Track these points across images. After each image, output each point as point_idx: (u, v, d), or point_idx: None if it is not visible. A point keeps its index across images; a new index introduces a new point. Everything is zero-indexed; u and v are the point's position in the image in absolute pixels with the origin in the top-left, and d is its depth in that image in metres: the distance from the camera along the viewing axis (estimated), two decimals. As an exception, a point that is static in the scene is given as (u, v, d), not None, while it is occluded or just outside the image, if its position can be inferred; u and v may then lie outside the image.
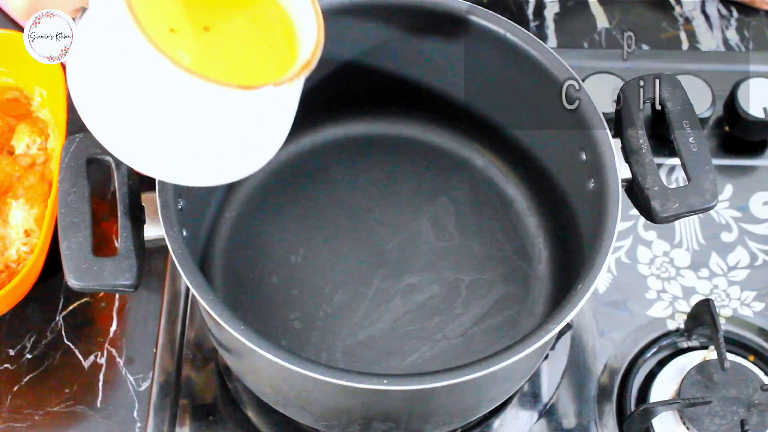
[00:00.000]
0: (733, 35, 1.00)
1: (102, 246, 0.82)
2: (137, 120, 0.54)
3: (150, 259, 0.84)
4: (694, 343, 0.82)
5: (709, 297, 0.84)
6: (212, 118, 0.53)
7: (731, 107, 0.91)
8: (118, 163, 0.65)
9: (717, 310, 0.78)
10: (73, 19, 0.56)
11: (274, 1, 0.59)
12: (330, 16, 0.73)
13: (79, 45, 0.54)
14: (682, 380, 0.77)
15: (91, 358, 0.81)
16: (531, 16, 0.99)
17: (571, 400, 0.80)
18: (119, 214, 0.65)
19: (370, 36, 0.76)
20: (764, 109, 0.90)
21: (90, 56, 0.54)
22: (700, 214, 0.86)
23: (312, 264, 0.79)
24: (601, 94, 0.88)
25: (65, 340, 0.82)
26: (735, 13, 1.02)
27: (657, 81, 0.70)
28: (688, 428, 0.76)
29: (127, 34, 0.51)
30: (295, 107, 0.59)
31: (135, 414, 0.79)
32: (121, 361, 0.81)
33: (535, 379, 0.80)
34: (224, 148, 0.55)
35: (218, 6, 0.58)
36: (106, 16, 0.52)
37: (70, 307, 0.83)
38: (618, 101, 0.71)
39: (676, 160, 0.73)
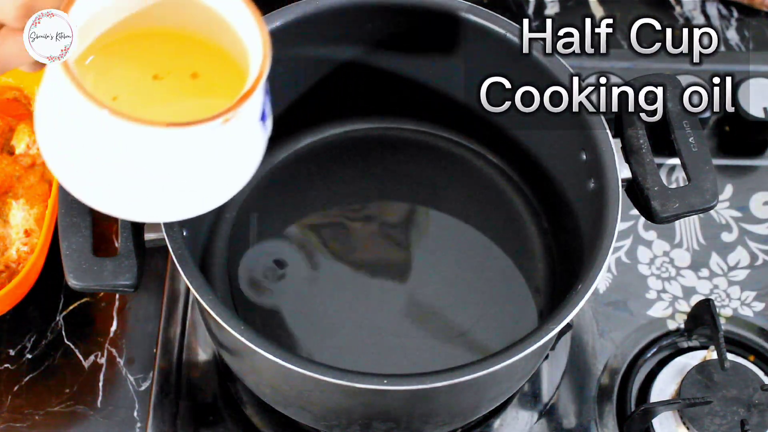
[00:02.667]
0: (733, 35, 1.00)
1: (102, 246, 0.82)
2: (87, 164, 0.55)
3: (150, 259, 0.83)
4: (694, 343, 0.82)
5: (710, 297, 0.84)
6: (154, 156, 0.54)
7: (731, 107, 0.91)
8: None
9: (717, 310, 0.78)
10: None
11: (225, 52, 0.60)
12: (330, 16, 0.73)
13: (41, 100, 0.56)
14: (682, 380, 0.77)
15: (91, 358, 0.81)
16: (531, 16, 0.99)
17: (571, 400, 0.80)
18: (120, 214, 0.65)
19: (370, 36, 0.76)
20: (764, 109, 0.90)
21: (44, 108, 0.56)
22: (700, 214, 0.86)
23: (311, 264, 0.79)
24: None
25: (65, 340, 0.82)
26: (735, 13, 1.02)
27: (657, 81, 0.71)
28: (688, 428, 0.76)
29: (62, 83, 0.53)
30: (248, 142, 0.58)
31: (135, 414, 0.79)
32: (121, 361, 0.81)
33: (535, 379, 0.80)
34: (172, 185, 0.56)
35: (173, 53, 0.60)
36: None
37: (70, 307, 0.83)
38: (618, 101, 0.71)
39: (676, 160, 0.73)
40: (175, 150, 0.54)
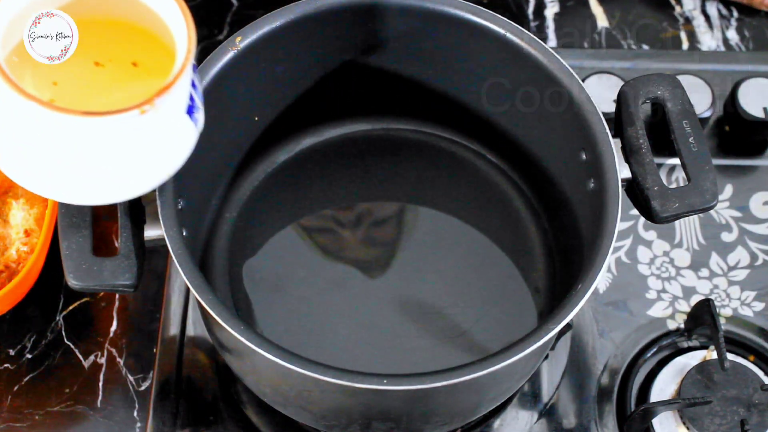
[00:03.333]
0: (733, 35, 1.00)
1: (102, 246, 0.82)
2: (15, 147, 0.57)
3: (150, 259, 0.83)
4: (694, 343, 0.82)
5: (709, 297, 0.84)
6: (74, 142, 0.56)
7: (731, 107, 0.91)
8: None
9: (717, 309, 0.78)
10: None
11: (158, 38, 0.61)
12: (330, 16, 0.73)
13: None
14: (682, 380, 0.77)
15: (91, 358, 0.81)
16: (531, 16, 0.99)
17: (571, 400, 0.80)
18: (119, 214, 0.65)
19: (370, 36, 0.76)
20: (764, 109, 0.90)
21: None
22: (700, 214, 0.86)
23: (311, 264, 0.79)
24: (601, 94, 0.88)
25: (65, 340, 0.82)
26: (735, 13, 1.02)
27: (657, 81, 0.71)
28: (688, 428, 0.76)
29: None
30: (172, 133, 0.59)
31: (135, 414, 0.79)
32: (121, 361, 0.81)
33: (535, 379, 0.80)
34: (93, 171, 0.57)
35: (108, 43, 0.61)
36: None
37: (70, 307, 0.83)
38: (618, 101, 0.71)
39: (676, 160, 0.73)
40: (94, 138, 0.55)
